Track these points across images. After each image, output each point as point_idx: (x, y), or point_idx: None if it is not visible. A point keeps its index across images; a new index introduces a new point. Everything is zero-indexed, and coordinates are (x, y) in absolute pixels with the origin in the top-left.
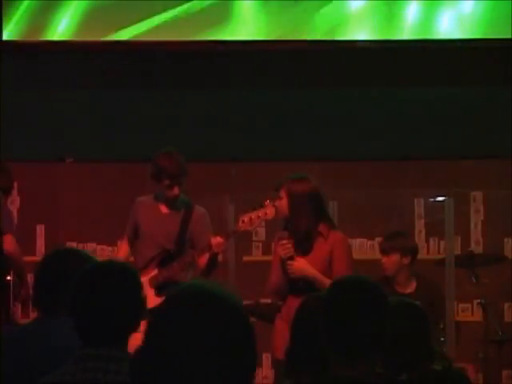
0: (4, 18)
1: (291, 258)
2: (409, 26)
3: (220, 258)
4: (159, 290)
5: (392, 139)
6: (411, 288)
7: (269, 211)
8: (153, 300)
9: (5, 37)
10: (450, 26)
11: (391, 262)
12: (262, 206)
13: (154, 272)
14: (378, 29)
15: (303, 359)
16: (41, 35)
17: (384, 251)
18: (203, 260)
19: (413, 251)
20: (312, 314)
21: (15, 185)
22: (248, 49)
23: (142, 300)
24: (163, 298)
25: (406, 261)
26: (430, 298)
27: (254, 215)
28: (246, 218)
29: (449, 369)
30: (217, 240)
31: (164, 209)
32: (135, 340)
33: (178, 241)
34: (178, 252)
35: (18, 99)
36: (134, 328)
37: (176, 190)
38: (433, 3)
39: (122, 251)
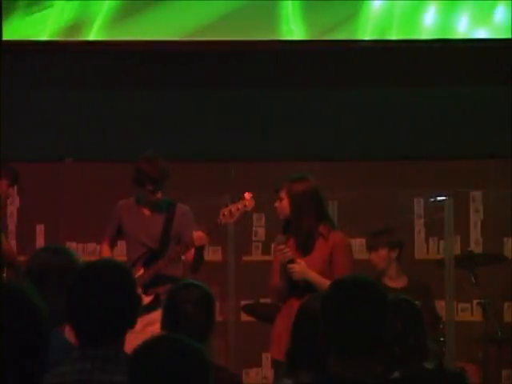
0: (5, 19)
1: (291, 261)
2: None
3: (219, 257)
4: (146, 288)
5: (392, 139)
6: (403, 282)
7: (248, 203)
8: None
9: (5, 37)
10: (451, 25)
11: (380, 257)
12: (241, 198)
13: (140, 271)
14: (378, 29)
15: (304, 359)
16: (41, 35)
17: (372, 247)
18: (190, 255)
19: (399, 244)
20: (313, 314)
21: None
22: (248, 49)
23: (137, 297)
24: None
25: (394, 254)
26: (423, 293)
27: (233, 208)
28: (226, 211)
29: (440, 367)
30: (198, 234)
31: (147, 212)
32: (132, 339)
33: (161, 240)
34: (162, 250)
35: (18, 99)
36: (131, 326)
37: (159, 194)
38: (436, 3)
39: (105, 255)
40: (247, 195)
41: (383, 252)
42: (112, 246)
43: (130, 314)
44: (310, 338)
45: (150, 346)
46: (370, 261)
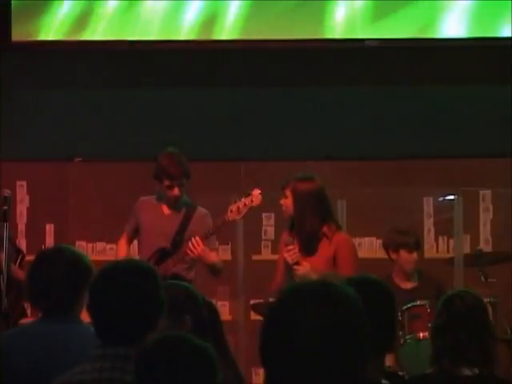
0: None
1: (297, 263)
2: (409, 24)
3: (229, 256)
4: None
5: (400, 138)
6: (413, 283)
7: (254, 198)
8: None
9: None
10: (452, 25)
11: (415, 258)
12: (248, 194)
13: None
14: (379, 28)
15: None
16: (41, 35)
17: (413, 248)
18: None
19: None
20: None
21: (24, 183)
22: (251, 48)
23: (161, 299)
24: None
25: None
26: (434, 294)
27: (241, 204)
28: (233, 208)
29: (487, 372)
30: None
31: (166, 209)
32: None
33: (174, 239)
34: (173, 250)
35: (28, 98)
36: (153, 328)
37: (176, 191)
38: (435, 2)
39: (122, 252)
40: (255, 192)
41: (417, 253)
42: (129, 243)
43: (153, 316)
44: None
45: (156, 346)
46: (409, 259)
